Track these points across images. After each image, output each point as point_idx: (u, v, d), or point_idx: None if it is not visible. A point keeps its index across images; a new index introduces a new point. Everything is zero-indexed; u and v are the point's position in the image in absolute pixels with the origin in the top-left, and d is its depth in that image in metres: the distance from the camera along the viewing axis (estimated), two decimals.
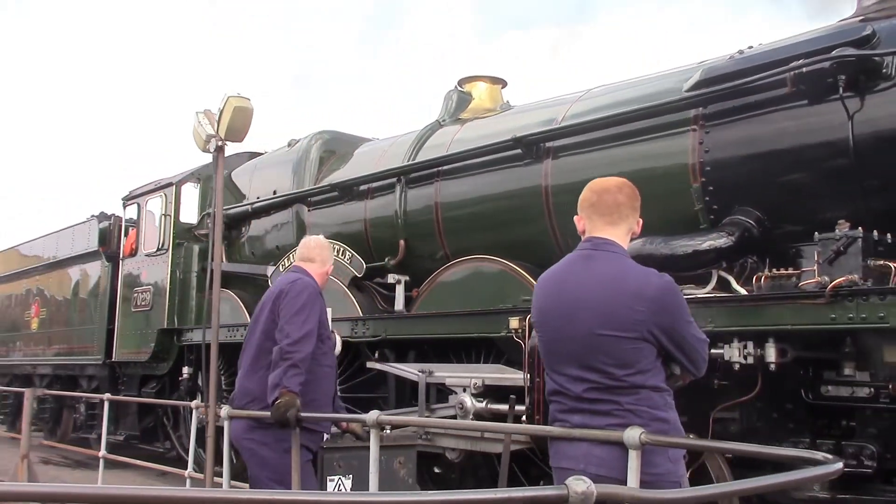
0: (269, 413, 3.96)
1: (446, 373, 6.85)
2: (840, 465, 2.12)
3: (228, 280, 10.13)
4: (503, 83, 8.62)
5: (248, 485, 4.62)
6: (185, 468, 7.62)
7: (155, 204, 11.21)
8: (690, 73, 6.01)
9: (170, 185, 10.86)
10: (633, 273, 2.88)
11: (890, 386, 4.67)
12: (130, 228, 11.78)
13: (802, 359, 4.98)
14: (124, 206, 11.90)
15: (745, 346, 4.88)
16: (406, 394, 7.50)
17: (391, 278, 7.81)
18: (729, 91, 5.47)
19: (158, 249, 10.80)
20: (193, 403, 7.62)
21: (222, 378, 8.26)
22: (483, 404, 6.42)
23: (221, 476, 5.26)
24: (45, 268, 14.30)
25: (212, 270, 5.33)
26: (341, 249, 8.15)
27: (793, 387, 5.15)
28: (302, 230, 9.12)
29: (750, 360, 4.86)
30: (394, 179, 8.00)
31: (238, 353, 4.61)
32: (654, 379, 2.72)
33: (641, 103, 6.12)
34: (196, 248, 10.62)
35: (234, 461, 5.80)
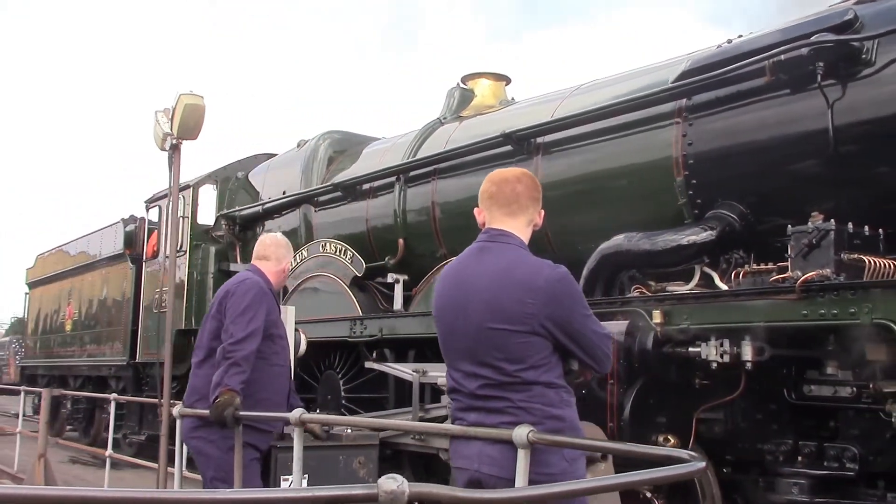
0: None
1: (439, 372, 6.78)
2: (702, 465, 1.99)
3: None
4: (507, 80, 8.53)
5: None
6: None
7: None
8: (681, 65, 5.86)
9: (187, 187, 10.96)
10: (524, 264, 2.77)
11: (871, 385, 4.47)
12: (153, 231, 11.93)
13: (785, 357, 4.81)
14: (147, 209, 12.06)
15: (721, 345, 4.72)
16: (405, 394, 7.45)
17: (390, 277, 7.77)
18: (709, 81, 5.31)
19: (177, 251, 10.91)
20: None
21: None
22: None
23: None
24: (77, 270, 14.58)
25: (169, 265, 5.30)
26: (343, 249, 8.14)
27: (776, 386, 4.97)
28: (309, 230, 9.15)
29: (726, 358, 4.70)
30: (393, 178, 7.96)
31: None
32: (549, 375, 2.61)
33: (631, 96, 5.98)
34: (213, 249, 10.70)
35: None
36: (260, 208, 9.92)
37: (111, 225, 13.26)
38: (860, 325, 4.12)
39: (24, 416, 11.13)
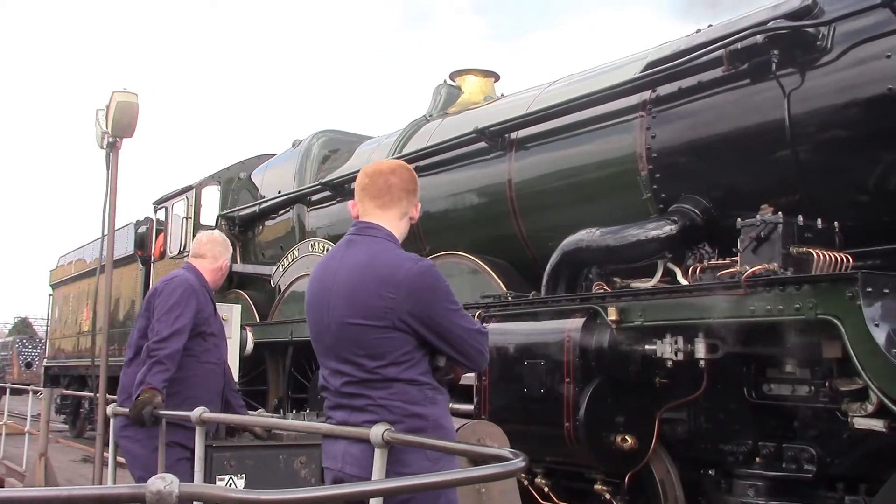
0: None
1: None
2: (521, 464, 1.90)
3: (242, 281, 10.27)
4: (496, 76, 8.45)
5: None
6: None
7: (180, 207, 11.42)
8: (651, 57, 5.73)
9: (190, 188, 11.05)
10: (386, 258, 2.69)
11: (827, 384, 4.30)
12: (160, 232, 12.03)
13: (745, 355, 4.66)
14: (155, 210, 12.17)
15: (675, 342, 4.59)
16: None
17: None
18: (670, 73, 5.17)
19: (181, 252, 10.99)
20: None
21: None
22: None
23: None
24: (93, 272, 14.75)
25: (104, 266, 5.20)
26: (329, 248, 8.11)
27: (736, 385, 4.82)
28: (303, 230, 9.15)
29: (680, 356, 4.57)
30: None
31: None
32: (411, 372, 2.53)
33: (597, 89, 5.85)
34: None
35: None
36: (257, 208, 9.96)
37: (124, 226, 13.41)
38: (806, 321, 3.97)
39: (31, 416, 11.27)
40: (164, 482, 1.65)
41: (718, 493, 4.87)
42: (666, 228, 5.08)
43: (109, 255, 5.01)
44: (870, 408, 3.99)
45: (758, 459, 4.63)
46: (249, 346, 5.70)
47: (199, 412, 3.52)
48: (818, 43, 4.48)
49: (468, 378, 6.14)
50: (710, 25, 5.66)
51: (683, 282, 5.01)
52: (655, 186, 5.35)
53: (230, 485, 4.16)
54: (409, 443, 2.25)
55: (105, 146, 4.91)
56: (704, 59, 4.94)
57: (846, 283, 3.78)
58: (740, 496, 4.57)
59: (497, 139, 6.54)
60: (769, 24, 4.59)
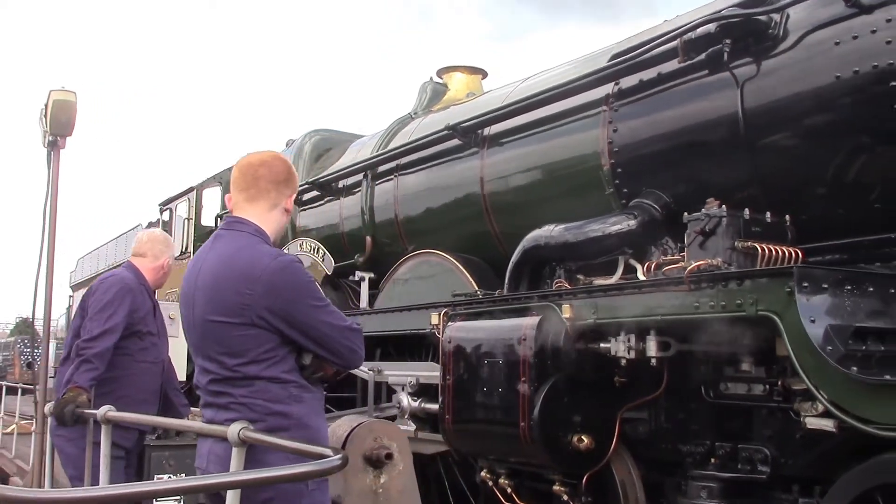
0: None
1: (392, 371, 6.68)
2: (337, 462, 1.84)
3: None
4: (483, 73, 8.37)
5: None
6: None
7: (183, 208, 11.50)
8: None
9: (191, 190, 11.12)
10: (246, 254, 2.62)
11: (780, 382, 4.18)
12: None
13: (700, 353, 4.53)
14: (160, 212, 12.27)
15: (628, 340, 4.49)
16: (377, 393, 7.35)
17: (357, 275, 7.69)
18: (629, 65, 5.06)
19: (182, 253, 11.05)
20: None
21: None
22: (417, 403, 6.21)
23: None
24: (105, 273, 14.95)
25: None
26: (316, 247, 8.11)
27: (695, 385, 4.70)
28: (294, 229, 9.14)
29: (632, 354, 4.47)
30: (360, 176, 7.88)
31: None
32: (274, 369, 2.47)
33: (562, 83, 5.75)
34: None
35: None
36: None
37: (134, 228, 13.57)
38: (748, 318, 3.85)
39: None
40: None
41: (678, 494, 4.76)
42: (625, 224, 4.97)
43: (51, 256, 5.02)
44: (820, 407, 3.86)
45: (713, 460, 4.51)
46: None
47: (104, 411, 3.51)
48: (770, 31, 4.34)
49: (433, 377, 6.09)
50: (678, 16, 5.55)
51: (642, 278, 4.90)
52: (618, 182, 5.24)
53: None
54: (262, 442, 2.20)
55: (46, 145, 4.92)
56: (661, 49, 4.82)
57: (784, 277, 3.65)
58: (694, 498, 4.45)
59: (470, 136, 6.47)
60: (721, 12, 4.46)
